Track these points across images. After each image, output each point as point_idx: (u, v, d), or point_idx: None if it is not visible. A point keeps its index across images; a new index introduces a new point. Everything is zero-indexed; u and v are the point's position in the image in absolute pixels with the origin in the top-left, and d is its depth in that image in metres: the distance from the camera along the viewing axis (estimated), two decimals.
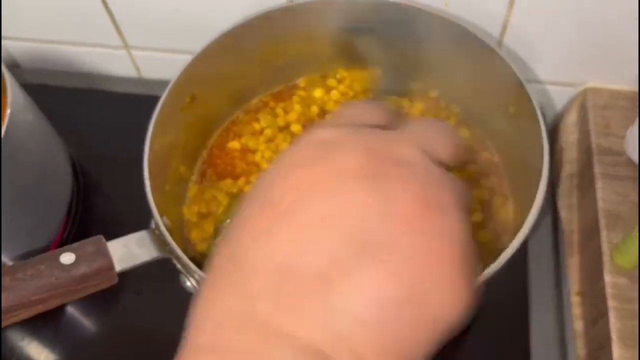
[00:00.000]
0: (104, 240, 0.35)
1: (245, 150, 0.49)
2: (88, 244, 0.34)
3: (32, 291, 0.32)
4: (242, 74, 0.49)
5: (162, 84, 0.43)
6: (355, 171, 0.21)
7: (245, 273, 0.20)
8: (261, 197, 0.22)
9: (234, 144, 0.49)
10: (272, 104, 0.52)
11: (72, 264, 0.33)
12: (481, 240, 0.43)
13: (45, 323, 0.48)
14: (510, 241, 0.35)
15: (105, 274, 0.34)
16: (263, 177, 0.23)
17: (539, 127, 0.38)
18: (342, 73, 0.52)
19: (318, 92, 0.51)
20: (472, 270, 0.21)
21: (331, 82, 0.52)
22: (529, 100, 0.39)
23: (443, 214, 0.21)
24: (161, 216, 0.38)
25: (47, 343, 0.47)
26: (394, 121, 0.26)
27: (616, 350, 0.40)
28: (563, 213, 0.51)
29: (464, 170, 0.46)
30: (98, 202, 0.54)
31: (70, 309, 0.49)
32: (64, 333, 0.48)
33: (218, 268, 0.22)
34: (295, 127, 0.49)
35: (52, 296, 0.32)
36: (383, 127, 0.25)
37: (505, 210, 0.44)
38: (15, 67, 0.65)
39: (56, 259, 0.33)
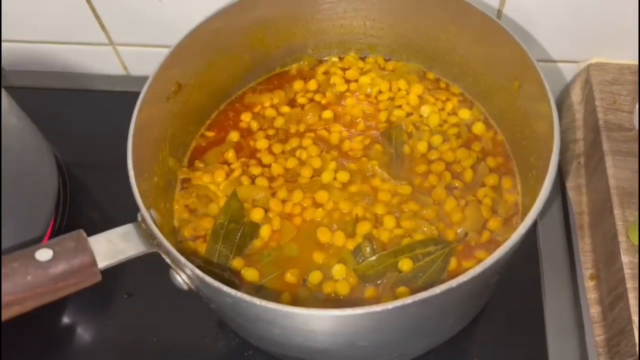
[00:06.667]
0: (84, 234, 0.32)
1: (240, 141, 0.46)
2: (67, 239, 0.32)
3: (5, 291, 0.29)
4: (230, 62, 0.47)
5: None
6: None
7: None
8: None
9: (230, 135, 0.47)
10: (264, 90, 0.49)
11: (49, 261, 0.30)
12: (492, 227, 0.40)
13: (34, 332, 0.45)
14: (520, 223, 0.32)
15: (86, 271, 0.32)
16: None
17: (547, 98, 0.36)
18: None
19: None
20: None
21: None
22: (535, 72, 0.37)
23: None
24: (148, 209, 0.35)
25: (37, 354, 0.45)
26: None
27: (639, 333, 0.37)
28: (571, 195, 0.49)
29: (469, 150, 0.43)
30: (86, 201, 0.52)
31: (64, 318, 0.46)
32: (55, 342, 0.45)
33: None
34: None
35: (27, 297, 0.30)
36: None
37: (516, 191, 0.42)
38: None
39: (31, 255, 0.30)
